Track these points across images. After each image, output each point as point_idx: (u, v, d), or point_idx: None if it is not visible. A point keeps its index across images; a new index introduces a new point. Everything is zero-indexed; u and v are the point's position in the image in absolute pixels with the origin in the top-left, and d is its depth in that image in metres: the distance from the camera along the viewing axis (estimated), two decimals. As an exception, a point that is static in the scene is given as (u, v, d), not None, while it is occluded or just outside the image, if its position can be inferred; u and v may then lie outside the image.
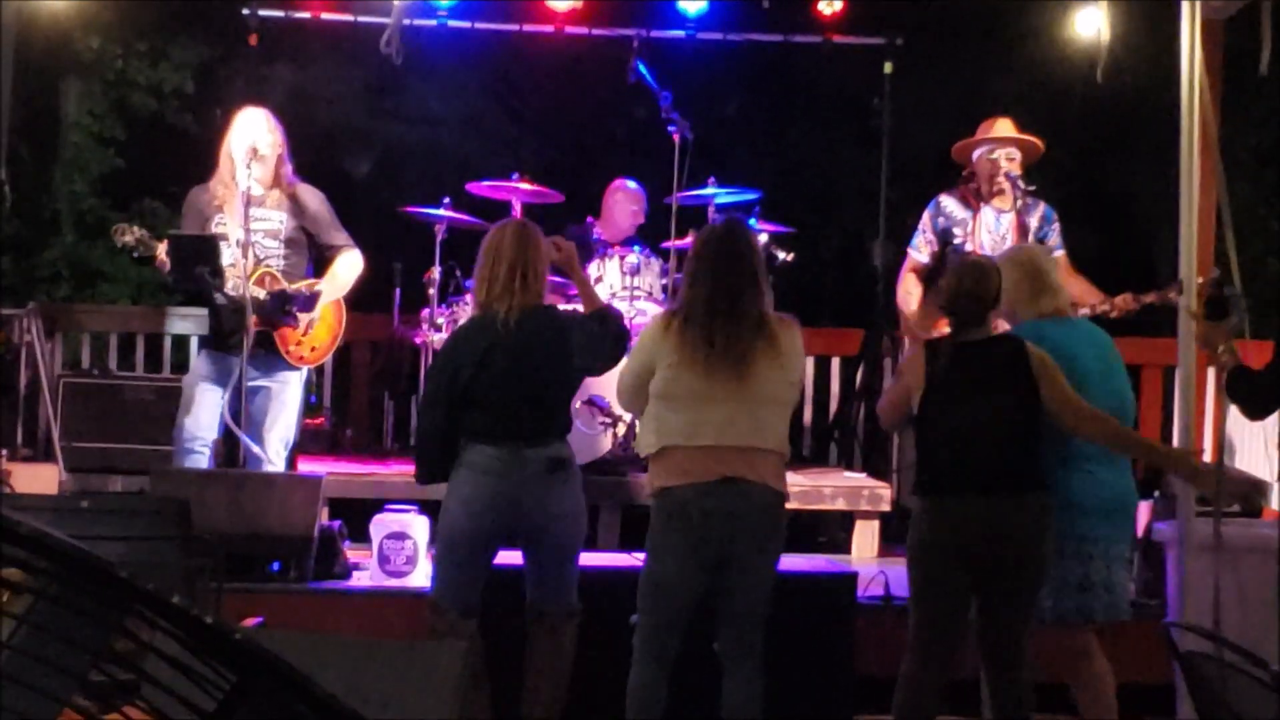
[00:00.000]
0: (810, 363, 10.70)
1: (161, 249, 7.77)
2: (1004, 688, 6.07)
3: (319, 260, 8.11)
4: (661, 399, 5.94)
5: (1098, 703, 6.33)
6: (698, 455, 5.85)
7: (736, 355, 5.86)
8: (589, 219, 10.20)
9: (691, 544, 5.86)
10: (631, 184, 10.25)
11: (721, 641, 5.99)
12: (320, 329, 8.02)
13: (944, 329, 8.35)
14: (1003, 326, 6.55)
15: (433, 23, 10.47)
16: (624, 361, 6.25)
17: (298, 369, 8.03)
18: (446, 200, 9.81)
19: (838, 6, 10.68)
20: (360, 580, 7.62)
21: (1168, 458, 6.76)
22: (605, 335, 6.45)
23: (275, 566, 7.45)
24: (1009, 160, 8.40)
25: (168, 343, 10.79)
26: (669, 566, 5.91)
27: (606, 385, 8.13)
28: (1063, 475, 6.15)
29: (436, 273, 9.61)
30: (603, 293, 9.11)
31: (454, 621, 6.25)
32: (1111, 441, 6.14)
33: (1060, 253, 8.47)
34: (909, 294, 8.62)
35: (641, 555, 6.09)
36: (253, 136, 7.89)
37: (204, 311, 8.21)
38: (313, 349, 8.03)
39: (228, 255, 7.79)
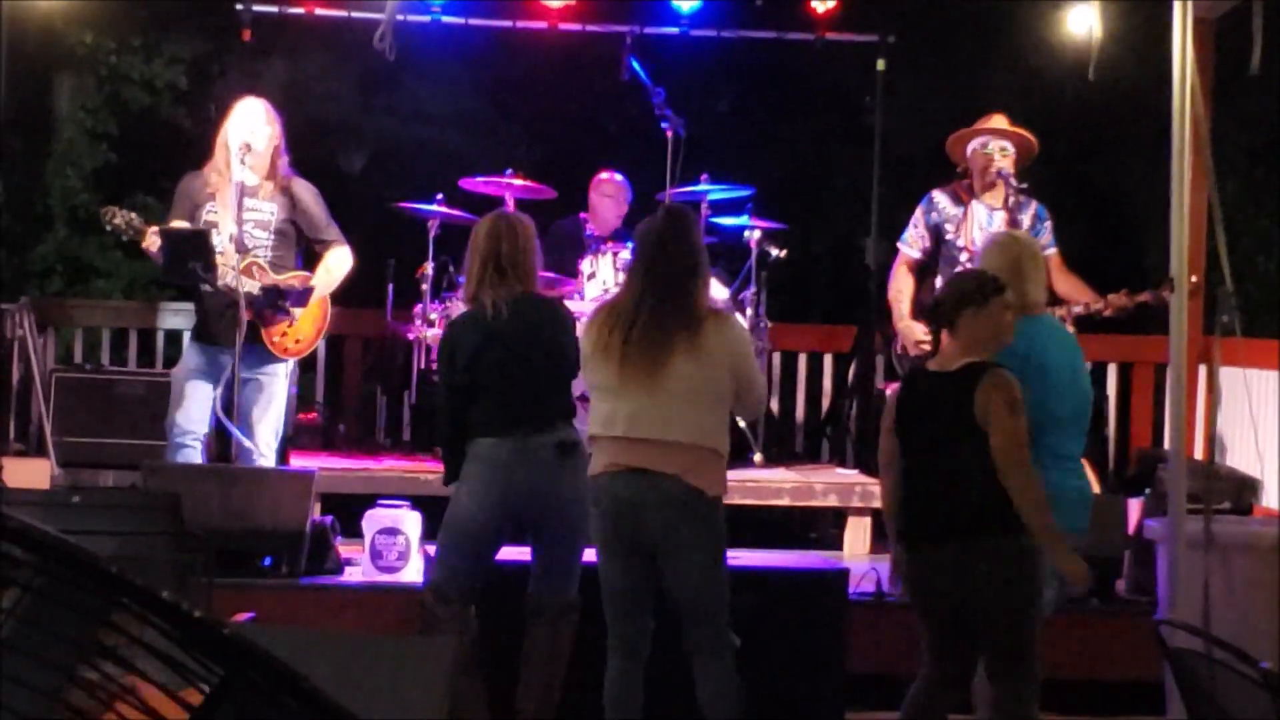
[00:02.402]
0: (802, 359, 10.70)
1: (151, 236, 7.76)
2: (1005, 696, 5.98)
3: (308, 253, 8.10)
4: (590, 389, 6.03)
5: None
6: (613, 445, 5.88)
7: (651, 348, 5.80)
8: (581, 215, 10.20)
9: (607, 532, 5.92)
10: (618, 176, 10.25)
11: (685, 640, 5.99)
12: (304, 321, 8.01)
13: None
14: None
15: (426, 19, 10.44)
16: None
17: (284, 361, 8.01)
18: (439, 196, 9.80)
19: (830, 4, 10.65)
20: (352, 576, 7.61)
21: (1053, 550, 5.79)
22: None
23: (267, 562, 7.45)
24: (1002, 153, 8.39)
25: (160, 338, 10.77)
26: (602, 559, 5.98)
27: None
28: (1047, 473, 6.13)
29: (429, 268, 9.61)
30: (595, 289, 9.12)
31: (455, 609, 6.26)
32: (1020, 503, 5.63)
33: (1053, 251, 8.45)
34: (900, 291, 8.61)
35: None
36: (250, 128, 7.87)
37: (195, 305, 8.20)
38: (297, 341, 8.02)
39: (218, 245, 7.77)
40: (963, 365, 5.79)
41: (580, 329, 6.21)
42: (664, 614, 5.98)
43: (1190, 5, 6.84)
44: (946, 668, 5.90)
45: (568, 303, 7.80)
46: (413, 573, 7.42)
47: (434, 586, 6.37)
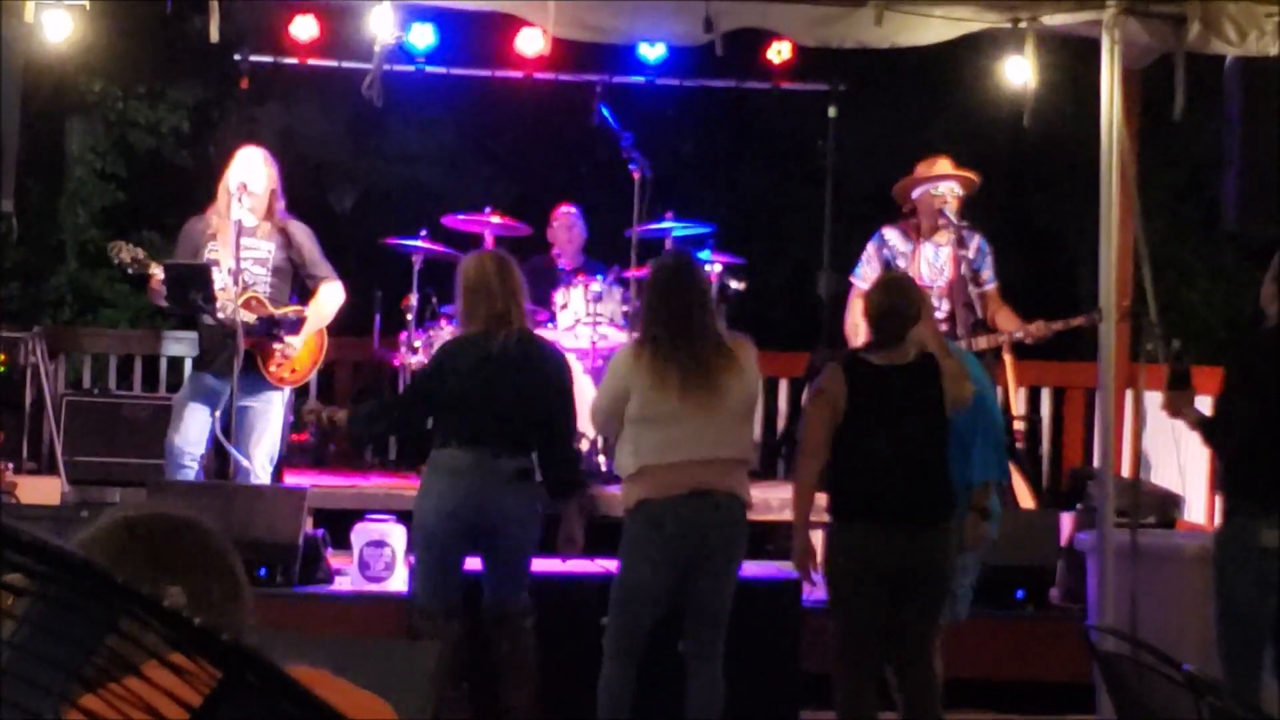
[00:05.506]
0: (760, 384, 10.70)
1: (155, 270, 7.75)
2: (915, 690, 6.00)
3: (302, 290, 8.09)
4: (638, 422, 5.95)
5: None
6: (672, 471, 5.88)
7: (704, 374, 5.89)
8: (554, 251, 10.23)
9: (666, 552, 5.89)
10: (571, 209, 10.40)
11: (687, 644, 6.00)
12: (302, 353, 7.99)
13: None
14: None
15: (411, 68, 10.46)
16: (599, 389, 6.25)
17: (280, 390, 8.00)
18: (423, 232, 9.82)
19: (786, 55, 10.70)
20: (342, 585, 7.60)
21: None
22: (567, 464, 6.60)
23: (263, 572, 7.42)
24: (951, 194, 8.34)
25: (163, 364, 10.75)
26: (644, 573, 5.94)
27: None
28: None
29: (414, 300, 9.62)
30: (568, 319, 9.12)
31: (439, 625, 6.24)
32: None
33: (993, 285, 8.45)
34: (856, 325, 8.56)
35: (606, 562, 6.09)
36: (247, 173, 7.87)
37: (197, 335, 8.18)
38: (293, 371, 8.00)
39: (218, 280, 7.76)
40: (919, 358, 6.00)
41: (617, 365, 6.13)
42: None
43: (1118, 57, 6.89)
44: (864, 653, 5.94)
45: (541, 332, 7.78)
46: (398, 582, 7.41)
47: (416, 604, 6.37)
